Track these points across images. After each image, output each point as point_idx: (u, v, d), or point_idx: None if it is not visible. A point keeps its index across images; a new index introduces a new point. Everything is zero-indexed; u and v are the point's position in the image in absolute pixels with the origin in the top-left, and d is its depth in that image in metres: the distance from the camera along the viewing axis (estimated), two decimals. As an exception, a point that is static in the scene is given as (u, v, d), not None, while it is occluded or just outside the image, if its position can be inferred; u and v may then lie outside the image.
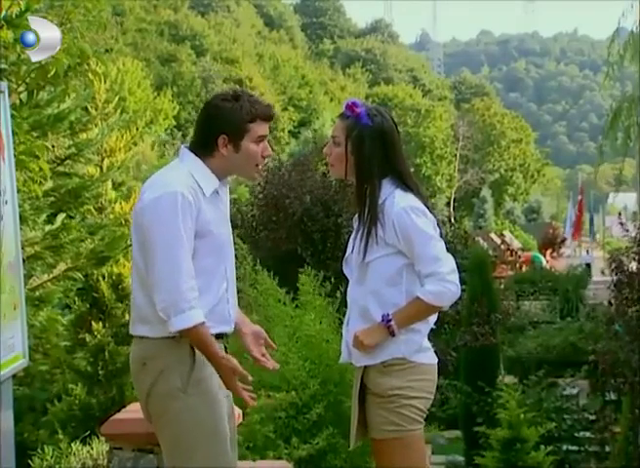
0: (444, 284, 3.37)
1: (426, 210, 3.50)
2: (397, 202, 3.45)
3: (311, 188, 12.59)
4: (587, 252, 22.23)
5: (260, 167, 3.39)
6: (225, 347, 3.37)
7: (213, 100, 3.36)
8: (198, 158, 3.30)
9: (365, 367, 3.51)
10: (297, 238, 12.13)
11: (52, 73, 4.50)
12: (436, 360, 3.60)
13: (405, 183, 3.53)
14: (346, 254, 3.63)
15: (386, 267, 3.47)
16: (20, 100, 5.07)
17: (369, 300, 3.50)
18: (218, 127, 3.27)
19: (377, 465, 3.62)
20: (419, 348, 3.50)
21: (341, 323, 3.84)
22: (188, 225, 3.17)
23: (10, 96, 4.04)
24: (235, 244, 3.53)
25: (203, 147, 3.31)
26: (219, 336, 3.29)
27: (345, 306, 3.70)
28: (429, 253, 3.39)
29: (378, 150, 3.52)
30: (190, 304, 3.13)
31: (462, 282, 3.80)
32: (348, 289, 3.63)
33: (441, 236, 3.55)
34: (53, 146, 5.84)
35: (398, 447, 3.46)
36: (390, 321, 3.43)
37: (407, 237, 3.41)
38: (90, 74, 6.42)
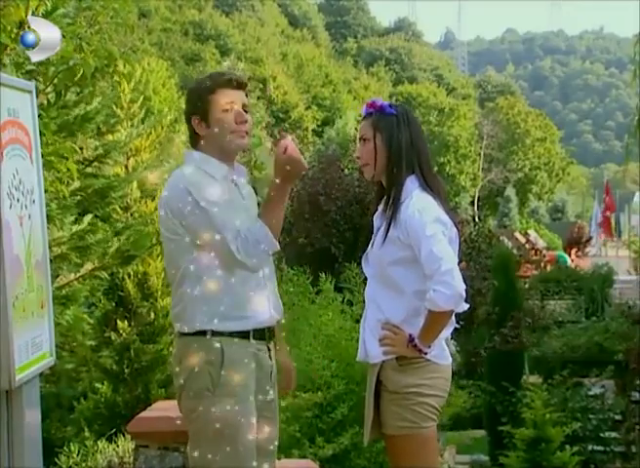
0: (437, 286, 3.31)
1: (441, 212, 3.47)
2: (413, 203, 3.45)
3: (347, 187, 12.52)
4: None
5: (243, 133, 3.34)
6: (269, 346, 3.37)
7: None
8: (197, 153, 3.33)
9: (381, 364, 3.52)
10: (330, 236, 12.10)
11: (79, 75, 4.53)
12: (450, 360, 3.60)
13: (426, 182, 3.53)
14: (366, 251, 3.64)
15: (406, 271, 3.46)
16: (48, 101, 5.10)
17: (386, 302, 3.51)
18: (188, 111, 3.35)
19: (390, 461, 3.65)
20: (434, 347, 3.50)
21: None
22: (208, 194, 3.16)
23: (37, 96, 4.07)
24: None
25: (191, 137, 3.37)
26: (262, 335, 3.30)
27: None
28: (428, 252, 3.35)
29: (405, 136, 3.53)
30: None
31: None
32: (366, 287, 3.64)
33: (460, 241, 3.54)
34: (81, 149, 5.87)
35: (411, 443, 3.48)
36: (414, 341, 3.44)
37: (415, 238, 3.40)
38: (116, 76, 6.44)
